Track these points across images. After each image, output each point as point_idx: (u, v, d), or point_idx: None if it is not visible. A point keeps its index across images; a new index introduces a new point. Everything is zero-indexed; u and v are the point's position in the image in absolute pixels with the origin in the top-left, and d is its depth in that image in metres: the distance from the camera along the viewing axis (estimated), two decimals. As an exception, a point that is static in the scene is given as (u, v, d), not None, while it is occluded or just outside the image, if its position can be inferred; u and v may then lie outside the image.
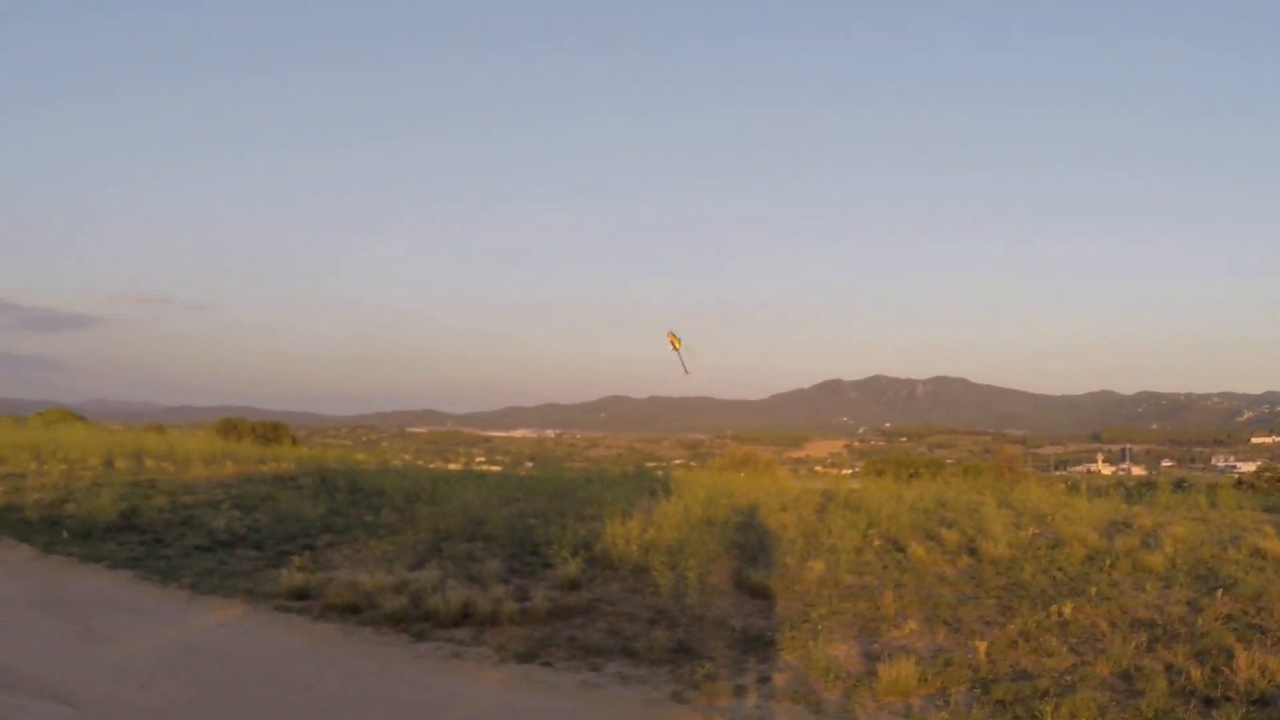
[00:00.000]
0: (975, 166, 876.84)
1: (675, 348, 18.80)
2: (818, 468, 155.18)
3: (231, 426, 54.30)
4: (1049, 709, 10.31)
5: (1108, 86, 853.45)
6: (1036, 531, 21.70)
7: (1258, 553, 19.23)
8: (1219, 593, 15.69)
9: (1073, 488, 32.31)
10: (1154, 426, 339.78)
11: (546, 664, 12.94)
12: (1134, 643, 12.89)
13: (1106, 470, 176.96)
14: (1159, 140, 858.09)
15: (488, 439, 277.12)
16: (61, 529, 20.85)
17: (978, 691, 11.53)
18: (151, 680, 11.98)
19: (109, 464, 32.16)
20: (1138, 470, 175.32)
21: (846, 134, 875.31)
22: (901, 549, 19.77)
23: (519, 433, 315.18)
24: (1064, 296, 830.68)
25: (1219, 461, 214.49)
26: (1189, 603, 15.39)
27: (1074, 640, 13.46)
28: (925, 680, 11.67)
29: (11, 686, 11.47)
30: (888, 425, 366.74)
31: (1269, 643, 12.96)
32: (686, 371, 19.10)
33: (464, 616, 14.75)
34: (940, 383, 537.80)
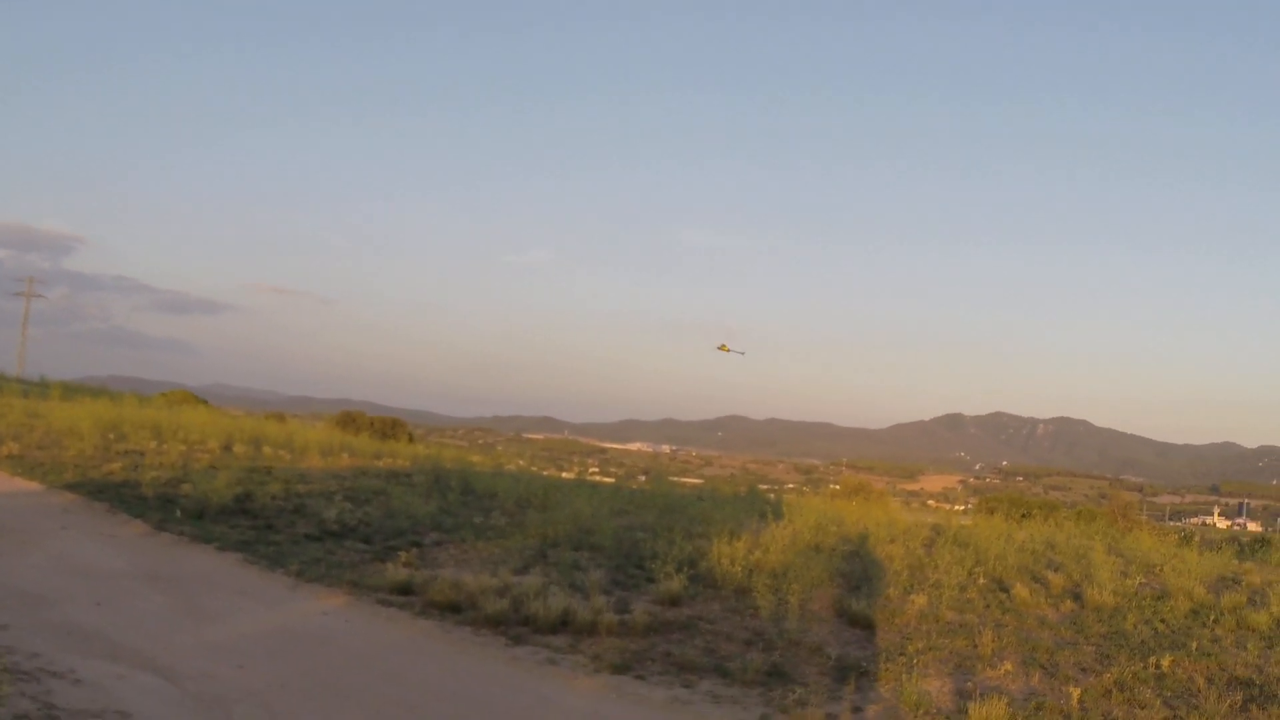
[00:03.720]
0: (1108, 208, 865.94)
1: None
2: (930, 501, 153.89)
3: (350, 420, 54.81)
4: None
5: (1260, 125, 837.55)
6: (1143, 581, 21.39)
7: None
8: (1323, 656, 15.40)
9: (1185, 539, 31.73)
10: (1275, 482, 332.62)
11: (640, 677, 12.94)
12: (1229, 701, 12.68)
13: (1222, 524, 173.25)
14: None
15: (603, 450, 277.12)
16: (175, 508, 21.18)
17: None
18: (250, 660, 12.14)
19: (227, 448, 32.63)
20: (1254, 526, 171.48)
21: (976, 169, 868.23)
22: (1006, 589, 19.53)
23: (635, 446, 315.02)
24: (1191, 345, 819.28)
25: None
26: (1291, 664, 15.10)
27: (1168, 694, 13.24)
28: (1015, 722, 11.55)
29: (113, 656, 11.66)
30: (1005, 463, 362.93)
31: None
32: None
33: (563, 624, 14.78)
34: (1062, 424, 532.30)
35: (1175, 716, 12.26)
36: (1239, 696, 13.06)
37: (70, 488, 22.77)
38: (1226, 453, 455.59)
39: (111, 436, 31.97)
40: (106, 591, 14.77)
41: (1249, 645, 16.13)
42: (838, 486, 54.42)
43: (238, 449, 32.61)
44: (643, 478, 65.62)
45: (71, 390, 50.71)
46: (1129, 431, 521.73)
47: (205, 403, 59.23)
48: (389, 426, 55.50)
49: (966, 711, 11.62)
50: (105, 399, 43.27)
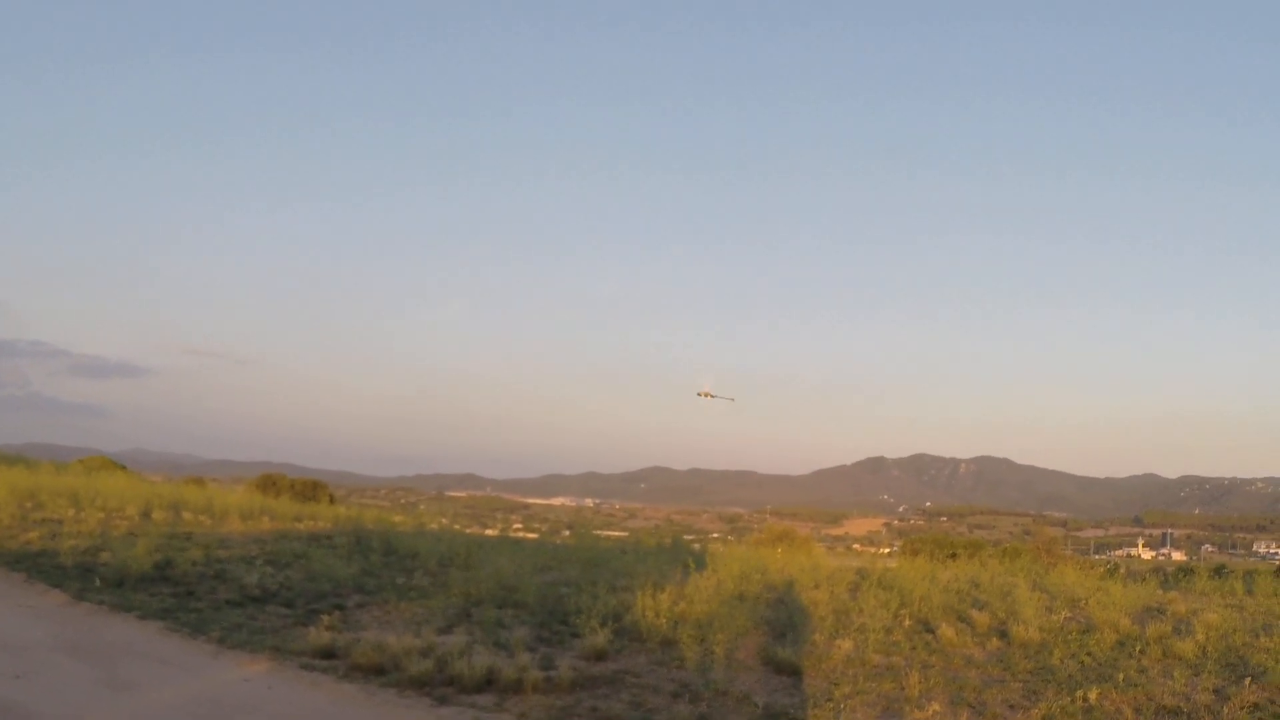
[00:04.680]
0: (1022, 244, 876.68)
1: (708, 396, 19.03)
2: (855, 545, 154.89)
3: (271, 482, 54.58)
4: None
5: (1167, 166, 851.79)
6: (1069, 616, 21.61)
7: (1290, 641, 19.05)
8: (1247, 681, 15.60)
9: (1110, 572, 32.16)
10: (1197, 511, 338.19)
11: (566, 733, 12.92)
12: (1157, 730, 12.83)
13: (1147, 555, 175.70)
14: (1212, 220, 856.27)
15: (527, 506, 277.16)
16: (95, 577, 20.95)
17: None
18: (173, 731, 12.03)
19: (146, 514, 32.34)
20: (1178, 555, 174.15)
21: (893, 207, 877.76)
22: (932, 630, 19.69)
23: (558, 500, 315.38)
24: (1109, 378, 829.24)
25: (1261, 548, 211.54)
26: (1216, 691, 15.30)
27: (1096, 728, 13.38)
28: (944, 764, 11.63)
29: (33, 731, 11.54)
30: (929, 504, 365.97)
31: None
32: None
33: (488, 683, 14.73)
34: (984, 462, 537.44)
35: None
36: (1166, 725, 13.24)
37: (-14, 559, 22.47)
38: (1148, 484, 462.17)
39: (28, 505, 31.64)
40: (25, 663, 14.60)
41: (1175, 674, 16.32)
42: (762, 534, 54.66)
43: (157, 515, 32.32)
44: (566, 533, 65.74)
45: (-14, 459, 50.15)
46: (1050, 467, 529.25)
47: (124, 468, 58.82)
48: (310, 488, 55.33)
49: (894, 755, 11.70)
50: (21, 467, 42.85)
